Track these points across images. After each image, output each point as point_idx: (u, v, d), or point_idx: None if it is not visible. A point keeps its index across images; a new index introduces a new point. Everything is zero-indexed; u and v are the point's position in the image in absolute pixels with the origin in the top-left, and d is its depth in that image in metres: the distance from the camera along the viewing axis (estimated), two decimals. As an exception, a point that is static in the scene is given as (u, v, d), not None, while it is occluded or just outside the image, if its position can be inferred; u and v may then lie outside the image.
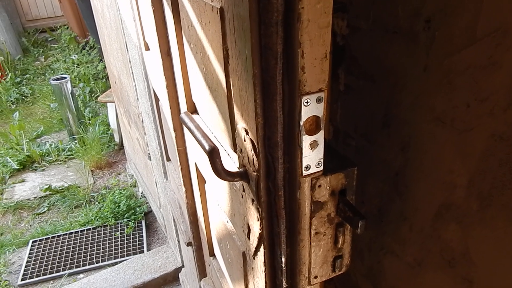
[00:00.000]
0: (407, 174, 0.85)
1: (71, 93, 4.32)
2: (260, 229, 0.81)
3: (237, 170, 0.82)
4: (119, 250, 3.11)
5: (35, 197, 3.71)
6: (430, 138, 0.79)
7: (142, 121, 2.62)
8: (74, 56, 6.15)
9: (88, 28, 5.80)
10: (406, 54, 0.80)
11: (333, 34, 0.91)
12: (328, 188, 0.72)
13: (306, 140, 0.65)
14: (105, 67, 5.50)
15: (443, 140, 0.78)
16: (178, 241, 2.60)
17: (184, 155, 1.46)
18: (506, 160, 0.69)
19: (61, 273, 2.93)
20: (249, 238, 0.89)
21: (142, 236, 3.21)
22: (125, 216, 3.38)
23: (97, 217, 3.39)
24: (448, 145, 0.77)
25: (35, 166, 4.12)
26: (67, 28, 7.10)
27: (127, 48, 2.42)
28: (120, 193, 3.60)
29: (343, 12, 0.89)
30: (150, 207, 3.47)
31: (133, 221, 3.34)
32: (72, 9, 6.09)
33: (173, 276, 2.74)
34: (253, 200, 0.80)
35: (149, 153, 2.71)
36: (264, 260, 0.84)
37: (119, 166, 4.17)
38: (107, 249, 3.13)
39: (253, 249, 0.87)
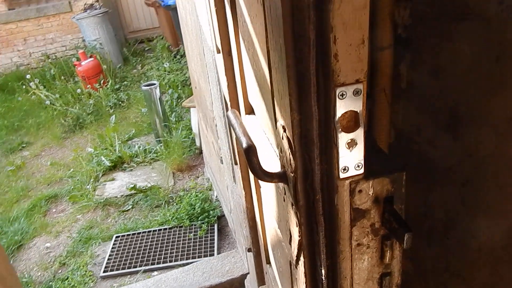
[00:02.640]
0: (476, 184, 0.74)
1: (159, 98, 4.63)
2: (299, 236, 0.76)
3: (276, 171, 0.78)
4: (191, 251, 3.23)
5: (122, 195, 4.02)
6: (503, 142, 0.67)
7: (216, 125, 2.70)
8: (166, 64, 6.61)
9: (180, 38, 6.21)
10: (476, 43, 0.69)
11: (395, 25, 0.83)
12: (370, 194, 0.65)
13: (343, 138, 0.60)
14: None
15: None
16: (245, 247, 2.62)
17: (243, 156, 1.46)
18: None
19: (137, 268, 3.13)
20: (290, 246, 0.84)
21: (214, 239, 3.30)
22: (199, 219, 3.50)
23: (174, 218, 3.55)
24: None
25: (125, 166, 4.47)
26: (162, 38, 7.68)
27: (204, 53, 2.52)
28: (196, 195, 3.75)
29: (405, 0, 0.81)
30: (223, 211, 3.55)
31: (206, 223, 3.44)
32: (167, 20, 6.58)
33: (240, 282, 2.76)
34: (292, 204, 0.76)
35: (221, 157, 2.78)
36: (305, 270, 0.79)
37: (198, 169, 4.35)
38: (180, 249, 3.26)
39: (295, 258, 0.83)
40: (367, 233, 0.68)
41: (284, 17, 0.59)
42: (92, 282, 3.05)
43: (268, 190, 1.07)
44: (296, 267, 0.85)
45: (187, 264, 3.02)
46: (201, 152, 4.53)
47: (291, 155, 0.69)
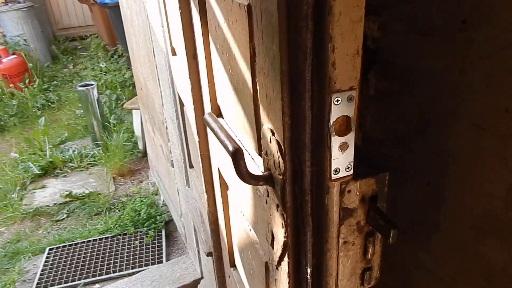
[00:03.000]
0: (442, 183, 0.81)
1: (97, 99, 4.43)
2: (284, 237, 0.78)
3: (262, 173, 0.80)
4: (137, 260, 3.12)
5: (54, 204, 3.76)
6: (468, 145, 0.75)
7: (166, 128, 2.65)
8: (102, 64, 6.33)
9: (118, 37, 5.98)
10: (442, 57, 0.77)
11: (364, 37, 0.89)
12: (358, 194, 0.69)
13: (336, 141, 0.63)
14: (133, 75, 5.65)
15: (481, 147, 0.74)
16: (198, 251, 2.59)
17: (207, 160, 1.46)
18: None
19: (76, 282, 2.94)
20: (272, 247, 0.87)
21: (162, 246, 3.22)
22: (145, 225, 3.40)
23: (117, 225, 3.41)
24: (487, 152, 0.73)
25: (57, 172, 4.20)
26: (97, 37, 7.34)
27: (154, 54, 2.47)
28: (141, 201, 3.64)
29: (374, 15, 0.87)
30: (171, 216, 3.48)
31: (153, 230, 3.35)
32: (103, 18, 6.30)
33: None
34: (278, 206, 0.78)
35: (172, 160, 2.73)
36: (288, 270, 0.82)
37: (142, 173, 4.23)
38: (125, 258, 3.14)
39: (277, 259, 0.85)
40: (353, 230, 0.72)
41: (280, 25, 0.61)
42: None
43: (240, 193, 1.09)
44: (277, 268, 0.87)
45: (134, 273, 2.91)
46: (144, 156, 4.41)
47: (280, 158, 0.71)
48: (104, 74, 6.06)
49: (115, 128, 4.66)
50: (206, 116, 0.91)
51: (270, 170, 0.78)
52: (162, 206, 3.63)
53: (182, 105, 1.98)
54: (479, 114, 0.72)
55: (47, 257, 3.16)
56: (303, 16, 0.58)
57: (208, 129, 1.30)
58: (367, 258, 0.76)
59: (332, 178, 0.66)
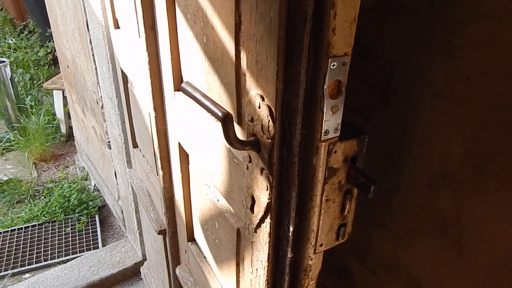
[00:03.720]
0: (403, 147, 0.92)
1: (10, 78, 4.03)
2: (268, 199, 0.82)
3: (247, 139, 0.83)
4: (70, 247, 2.97)
5: None
6: (428, 112, 0.85)
7: (102, 107, 2.52)
8: (11, 40, 5.73)
9: (28, 11, 5.45)
10: (409, 31, 0.86)
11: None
12: (342, 154, 0.76)
13: (329, 104, 0.68)
14: (48, 53, 5.18)
15: (441, 113, 0.85)
16: (140, 233, 2.54)
17: (163, 136, 1.44)
18: (501, 129, 0.76)
19: (2, 273, 2.74)
20: (252, 211, 0.90)
21: (96, 231, 3.09)
22: (76, 211, 3.23)
23: (44, 213, 3.21)
24: (446, 117, 0.84)
25: None
26: (1, 9, 6.59)
27: (87, 28, 2.32)
28: (70, 186, 3.44)
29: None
30: (104, 200, 3.34)
31: (85, 216, 3.20)
32: None
33: (133, 271, 2.67)
34: (262, 169, 0.82)
35: (108, 142, 2.61)
36: (270, 230, 0.86)
37: (67, 158, 3.98)
38: (56, 246, 2.97)
39: (257, 221, 0.89)
40: (335, 189, 0.79)
41: (281, -7, 0.64)
42: None
43: (208, 164, 1.10)
44: (255, 231, 0.92)
45: (69, 260, 2.78)
46: (68, 140, 4.15)
47: (270, 122, 0.75)
48: (13, 52, 5.48)
49: (33, 111, 4.29)
50: (184, 85, 0.91)
51: (256, 135, 0.81)
52: (93, 191, 3.46)
53: (126, 81, 1.91)
54: (441, 83, 0.82)
55: None
56: (305, -16, 0.62)
57: (172, 102, 1.29)
58: (344, 214, 0.83)
59: (322, 139, 0.71)
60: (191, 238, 1.49)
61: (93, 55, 2.38)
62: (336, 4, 0.60)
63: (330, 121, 0.70)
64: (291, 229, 0.83)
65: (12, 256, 2.87)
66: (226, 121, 0.77)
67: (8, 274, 2.73)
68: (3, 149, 3.98)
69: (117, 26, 1.82)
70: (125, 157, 2.31)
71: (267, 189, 0.82)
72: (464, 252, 0.86)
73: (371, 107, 0.98)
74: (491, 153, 0.79)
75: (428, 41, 0.83)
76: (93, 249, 2.92)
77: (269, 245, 0.88)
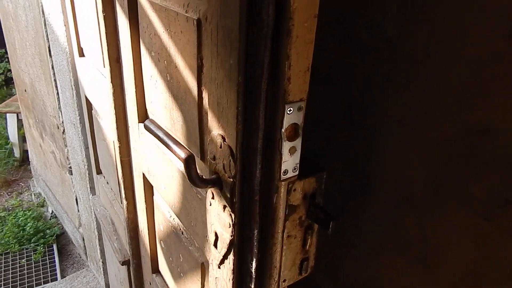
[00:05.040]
0: (369, 171, 0.97)
1: None
2: (231, 236, 0.85)
3: (209, 177, 0.85)
4: (26, 281, 2.83)
5: None
6: (391, 138, 0.91)
7: (64, 132, 2.48)
8: None
9: None
10: (369, 66, 0.92)
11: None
12: (301, 191, 0.79)
13: (286, 146, 0.72)
14: (2, 75, 5.01)
15: (402, 139, 0.91)
16: (103, 262, 2.47)
17: (127, 166, 1.44)
18: (458, 153, 0.83)
19: None
20: (216, 247, 0.92)
21: (54, 262, 2.97)
22: (32, 241, 3.10)
23: None
24: (407, 143, 0.90)
25: None
26: None
27: (50, 54, 2.29)
28: (25, 214, 3.30)
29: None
30: (62, 228, 3.23)
31: (42, 245, 3.07)
32: None
33: None
34: (225, 207, 0.84)
35: (70, 167, 2.55)
36: (233, 267, 0.88)
37: (21, 184, 3.82)
38: (10, 280, 2.82)
39: (220, 258, 0.91)
40: (296, 225, 0.82)
41: (240, 42, 0.68)
42: None
43: (172, 198, 1.11)
44: (219, 267, 0.93)
45: (24, 296, 2.65)
46: (22, 165, 4.00)
47: (232, 162, 0.78)
48: None
49: None
50: (148, 123, 0.93)
51: (218, 173, 0.84)
52: (50, 218, 3.34)
53: (90, 108, 1.89)
54: (401, 112, 0.88)
55: None
56: (262, 36, 0.66)
57: (136, 133, 1.29)
58: (306, 249, 0.87)
59: (281, 179, 0.75)
60: (155, 270, 1.48)
61: (55, 80, 2.35)
62: (290, 56, 0.65)
63: (289, 161, 0.74)
64: (254, 265, 0.86)
65: None
66: (188, 161, 0.79)
67: None
68: None
69: (81, 54, 1.82)
70: (88, 183, 2.27)
71: (230, 226, 0.84)
72: (428, 267, 0.92)
73: (336, 132, 1.03)
74: (449, 174, 0.85)
75: (388, 76, 0.90)
76: (52, 281, 2.80)
77: (232, 282, 0.90)
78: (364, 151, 0.97)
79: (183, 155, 0.80)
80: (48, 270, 2.92)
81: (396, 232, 0.95)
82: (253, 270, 0.86)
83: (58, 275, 2.89)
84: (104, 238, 2.19)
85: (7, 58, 4.68)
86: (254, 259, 0.85)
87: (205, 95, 0.84)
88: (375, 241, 1.01)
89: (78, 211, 2.69)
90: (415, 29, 0.83)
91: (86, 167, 2.23)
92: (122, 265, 1.71)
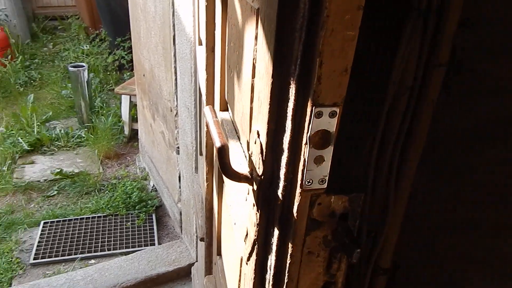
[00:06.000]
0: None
1: (87, 81, 4.43)
2: (255, 235, 0.81)
3: (244, 172, 0.83)
4: (130, 240, 3.18)
5: (45, 180, 3.79)
6: None
7: (176, 115, 2.69)
8: (85, 47, 6.17)
9: (102, 21, 5.88)
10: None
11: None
12: (328, 208, 0.71)
13: (312, 153, 0.66)
14: (115, 60, 5.57)
15: None
16: (197, 236, 2.64)
17: (211, 149, 1.50)
18: None
19: (73, 256, 3.02)
20: (245, 242, 0.89)
21: (153, 229, 3.28)
22: (136, 208, 3.45)
23: (108, 206, 3.46)
24: None
25: (44, 150, 4.21)
26: (78, 18, 7.10)
27: (174, 42, 2.50)
28: (131, 184, 3.67)
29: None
30: (161, 201, 3.52)
31: (144, 213, 3.41)
32: (86, 0, 6.24)
33: (187, 272, 2.77)
34: (253, 205, 0.81)
35: (177, 147, 2.77)
36: (255, 268, 0.85)
37: (127, 158, 4.24)
38: (118, 238, 3.20)
39: (247, 255, 0.88)
40: (319, 243, 0.74)
41: (276, 33, 0.64)
42: (21, 269, 2.91)
43: (232, 187, 1.12)
44: (246, 263, 0.90)
45: (128, 253, 2.99)
46: (129, 141, 4.45)
47: (261, 160, 0.74)
48: (85, 57, 5.90)
49: (103, 112, 4.65)
50: (205, 109, 0.95)
51: (252, 170, 0.81)
52: (151, 191, 3.67)
53: (201, 94, 2.03)
54: None
55: (42, 230, 3.23)
56: (298, 27, 0.61)
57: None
58: (331, 272, 0.78)
59: (304, 188, 0.68)
60: (219, 252, 1.51)
61: (175, 67, 2.56)
62: (322, 52, 0.58)
63: (314, 171, 0.67)
64: (272, 272, 0.81)
65: (81, 242, 3.15)
66: (220, 151, 0.78)
67: (78, 258, 3.02)
68: (74, 144, 4.34)
69: (200, 43, 1.96)
70: (193, 163, 2.44)
71: (255, 225, 0.81)
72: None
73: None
74: None
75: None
76: (150, 245, 3.11)
77: (253, 282, 0.86)
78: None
79: (217, 143, 0.79)
80: (148, 235, 3.24)
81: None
82: (270, 277, 0.81)
83: (156, 241, 3.18)
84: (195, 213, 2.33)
85: (123, 46, 5.33)
86: (273, 266, 0.80)
87: (254, 88, 0.82)
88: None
89: (180, 187, 2.91)
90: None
91: (194, 148, 2.40)
92: (200, 240, 1.80)
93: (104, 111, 4.65)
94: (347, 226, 0.73)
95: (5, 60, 5.58)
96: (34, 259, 2.97)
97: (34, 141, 4.22)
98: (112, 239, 3.19)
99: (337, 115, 0.64)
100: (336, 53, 0.59)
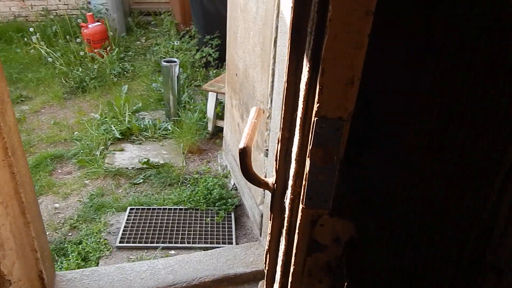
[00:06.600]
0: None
1: (177, 76, 4.57)
2: (267, 245, 0.79)
3: (265, 178, 0.81)
4: (208, 236, 3.24)
5: (133, 167, 3.98)
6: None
7: (269, 117, 2.68)
8: (176, 42, 6.28)
9: (193, 18, 5.99)
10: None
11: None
12: (331, 232, 0.66)
13: (314, 169, 0.61)
14: (202, 57, 5.63)
15: None
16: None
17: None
18: None
19: (155, 244, 3.14)
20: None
21: (231, 228, 3.32)
22: (216, 204, 3.50)
23: (190, 199, 3.55)
24: None
25: (133, 139, 4.41)
26: (170, 14, 7.27)
27: (275, 44, 2.49)
28: (213, 180, 3.72)
29: None
30: (240, 201, 3.54)
31: (223, 211, 3.43)
32: None
33: (263, 275, 2.70)
34: (271, 211, 0.79)
35: (266, 149, 2.75)
36: (267, 274, 0.83)
37: (209, 154, 4.29)
38: (197, 232, 3.28)
39: (264, 260, 0.86)
40: (321, 268, 0.69)
41: (291, 38, 0.61)
42: (107, 250, 3.08)
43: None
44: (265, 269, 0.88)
45: (207, 248, 3.04)
46: (211, 138, 4.49)
47: (275, 166, 0.72)
48: (175, 52, 6.01)
49: (190, 107, 4.77)
50: (252, 109, 0.93)
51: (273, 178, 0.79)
52: (231, 190, 3.71)
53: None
54: None
55: (128, 215, 3.39)
56: (309, 32, 0.58)
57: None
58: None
59: (305, 206, 0.64)
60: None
61: (273, 69, 2.55)
62: (324, 59, 0.54)
63: (317, 188, 0.63)
64: (277, 286, 0.78)
65: (163, 232, 3.28)
66: (241, 153, 0.76)
67: (159, 247, 3.13)
68: (160, 136, 4.49)
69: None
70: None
71: (269, 234, 0.79)
72: None
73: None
74: None
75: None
76: (228, 243, 3.13)
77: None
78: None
79: (240, 145, 0.77)
80: (226, 233, 3.29)
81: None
82: (276, 290, 0.78)
83: (233, 240, 3.21)
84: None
85: (211, 44, 5.37)
86: (278, 280, 0.77)
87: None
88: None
89: (264, 190, 2.91)
90: None
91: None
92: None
93: (191, 107, 4.80)
94: (352, 256, 0.66)
95: (103, 52, 6.04)
96: (120, 242, 3.12)
97: (124, 129, 4.46)
98: (192, 232, 3.28)
99: (343, 131, 0.59)
100: (340, 61, 0.54)
